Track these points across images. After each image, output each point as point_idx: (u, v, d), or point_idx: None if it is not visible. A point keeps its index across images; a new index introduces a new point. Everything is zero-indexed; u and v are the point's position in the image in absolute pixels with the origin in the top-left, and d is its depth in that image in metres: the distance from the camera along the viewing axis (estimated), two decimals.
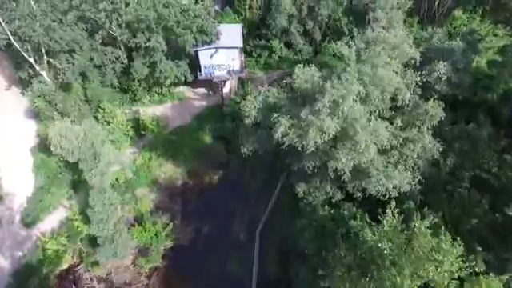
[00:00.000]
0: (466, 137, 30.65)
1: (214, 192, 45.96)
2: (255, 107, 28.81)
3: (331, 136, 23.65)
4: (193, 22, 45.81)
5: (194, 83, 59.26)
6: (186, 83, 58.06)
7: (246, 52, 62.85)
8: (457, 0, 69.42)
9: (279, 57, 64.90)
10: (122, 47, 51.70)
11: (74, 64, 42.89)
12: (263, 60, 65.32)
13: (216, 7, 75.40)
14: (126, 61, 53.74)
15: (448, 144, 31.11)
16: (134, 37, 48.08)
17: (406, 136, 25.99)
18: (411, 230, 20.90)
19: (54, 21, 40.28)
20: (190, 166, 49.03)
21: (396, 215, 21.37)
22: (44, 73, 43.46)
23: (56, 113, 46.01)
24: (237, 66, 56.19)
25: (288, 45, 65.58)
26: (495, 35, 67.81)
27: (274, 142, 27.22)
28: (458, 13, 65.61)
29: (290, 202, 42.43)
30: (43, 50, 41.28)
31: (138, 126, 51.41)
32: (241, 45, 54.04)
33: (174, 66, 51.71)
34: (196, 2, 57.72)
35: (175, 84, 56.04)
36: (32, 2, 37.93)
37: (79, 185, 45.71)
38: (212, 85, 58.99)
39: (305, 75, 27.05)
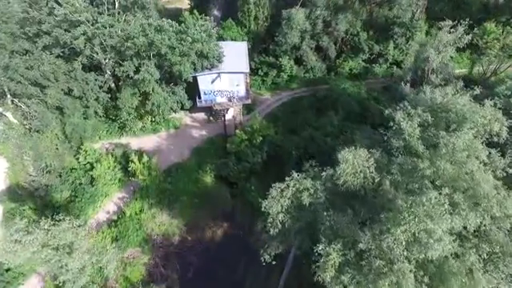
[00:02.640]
0: None
1: (217, 252, 38.78)
2: (282, 207, 21.28)
3: None
4: (191, 48, 37.85)
5: (192, 107, 51.63)
6: (182, 107, 50.42)
7: (250, 69, 55.07)
8: (486, 10, 61.99)
9: (289, 75, 57.11)
10: (108, 71, 43.70)
11: (46, 102, 34.86)
12: (270, 79, 57.56)
13: (216, 12, 67.24)
14: (113, 85, 45.87)
15: None
16: (122, 61, 40.14)
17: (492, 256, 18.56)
18: None
19: (17, 52, 32.13)
20: (188, 216, 41.71)
21: None
22: (9, 114, 35.50)
23: (28, 157, 38.29)
24: (242, 91, 48.53)
25: (298, 61, 57.84)
26: None
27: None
28: (490, 26, 58.07)
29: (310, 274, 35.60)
30: (5, 89, 33.30)
31: (127, 164, 43.97)
32: (247, 69, 46.26)
33: (168, 94, 43.99)
34: (193, 16, 49.94)
35: None
36: None
37: None
38: (213, 112, 51.38)
39: (354, 167, 19.45)
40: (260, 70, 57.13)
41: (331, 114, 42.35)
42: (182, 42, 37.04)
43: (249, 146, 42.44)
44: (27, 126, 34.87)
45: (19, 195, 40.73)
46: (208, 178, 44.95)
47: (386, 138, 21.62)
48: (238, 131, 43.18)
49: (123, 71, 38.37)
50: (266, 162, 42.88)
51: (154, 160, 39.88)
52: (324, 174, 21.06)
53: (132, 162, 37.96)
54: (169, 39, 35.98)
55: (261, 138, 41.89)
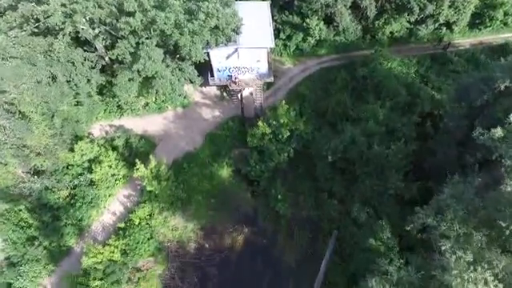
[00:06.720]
0: None
1: (238, 262, 35.00)
2: None
3: None
4: (203, 26, 28.90)
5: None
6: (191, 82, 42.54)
7: None
8: None
9: (317, 40, 47.36)
10: (100, 45, 35.02)
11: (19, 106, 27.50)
12: (294, 44, 47.95)
13: None
14: (107, 59, 37.49)
15: None
16: (117, 39, 31.56)
17: None
18: None
19: None
20: (204, 218, 37.17)
21: None
22: None
23: (12, 165, 32.33)
24: (263, 68, 40.10)
25: (327, 20, 47.47)
26: None
27: None
28: None
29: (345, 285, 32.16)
30: None
31: (131, 157, 38.21)
32: (272, 44, 37.24)
33: (175, 76, 35.97)
34: None
35: None
36: None
37: (60, 254, 34.78)
38: (228, 89, 43.57)
39: None
40: (282, 33, 47.15)
41: (375, 107, 34.66)
42: (193, 18, 27.97)
43: (273, 142, 35.87)
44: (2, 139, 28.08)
45: (11, 195, 35.78)
46: (225, 173, 39.33)
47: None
48: (260, 123, 36.12)
49: (118, 55, 30.05)
50: (292, 158, 36.73)
51: (163, 167, 33.68)
52: None
53: (138, 170, 31.90)
54: (175, 16, 26.94)
55: (288, 134, 35.10)
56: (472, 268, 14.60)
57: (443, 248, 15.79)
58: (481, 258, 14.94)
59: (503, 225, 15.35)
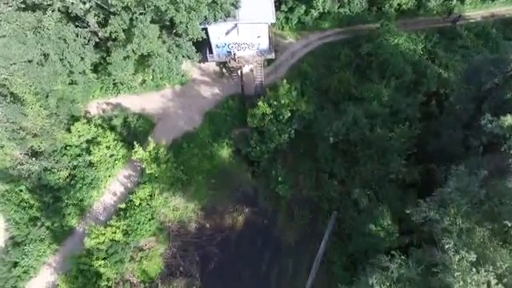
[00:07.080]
0: None
1: (239, 242, 35.49)
2: None
3: None
4: (200, 2, 27.18)
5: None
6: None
7: None
8: None
9: (320, 13, 45.06)
10: (93, 20, 33.29)
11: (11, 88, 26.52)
12: (296, 16, 45.66)
13: None
14: (100, 34, 35.86)
15: None
16: (109, 14, 29.96)
17: None
18: None
19: None
20: (204, 198, 37.31)
21: None
22: None
23: (7, 140, 31.75)
24: (264, 44, 38.42)
25: None
26: None
27: None
28: None
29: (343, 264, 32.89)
30: None
31: (129, 136, 37.81)
32: (273, 19, 35.36)
33: (173, 54, 34.58)
34: None
35: None
36: None
37: (63, 234, 35.22)
38: (227, 66, 42.14)
39: None
40: (283, 4, 44.73)
41: (379, 87, 33.44)
42: None
43: (274, 122, 35.11)
44: None
45: (10, 175, 35.68)
46: (225, 153, 38.93)
47: None
48: (260, 103, 35.17)
49: (111, 32, 28.57)
50: (293, 139, 36.14)
51: (161, 149, 33.16)
52: None
53: (136, 153, 31.42)
54: None
55: (289, 114, 34.27)
56: (475, 270, 14.49)
57: (446, 246, 15.61)
58: (484, 258, 14.82)
59: (509, 224, 15.05)
